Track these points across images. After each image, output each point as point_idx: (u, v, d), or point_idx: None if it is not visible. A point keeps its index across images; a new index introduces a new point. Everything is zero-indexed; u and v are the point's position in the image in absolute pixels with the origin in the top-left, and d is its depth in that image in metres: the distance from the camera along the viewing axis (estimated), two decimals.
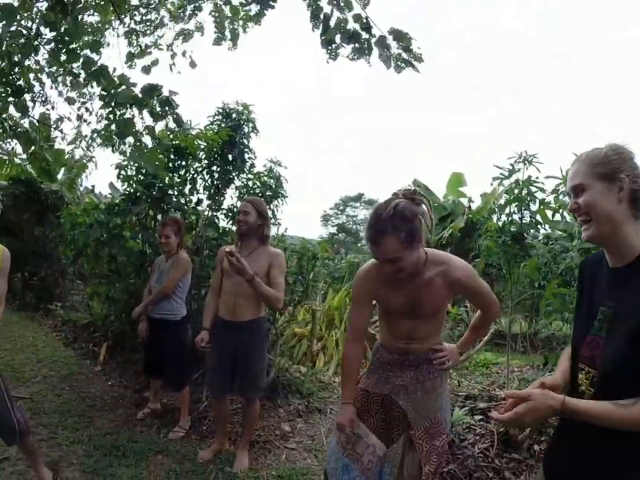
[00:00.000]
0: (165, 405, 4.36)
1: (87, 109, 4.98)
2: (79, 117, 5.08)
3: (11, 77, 3.86)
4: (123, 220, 5.23)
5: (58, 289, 8.54)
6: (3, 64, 3.79)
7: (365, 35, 3.41)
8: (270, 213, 5.46)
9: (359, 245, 30.40)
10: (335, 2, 3.37)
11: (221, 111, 5.65)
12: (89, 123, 5.14)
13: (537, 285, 7.00)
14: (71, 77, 4.09)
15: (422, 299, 2.13)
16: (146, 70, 4.43)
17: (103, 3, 4.40)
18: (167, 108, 3.65)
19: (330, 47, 3.48)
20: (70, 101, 4.85)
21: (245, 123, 5.65)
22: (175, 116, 3.71)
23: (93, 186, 9.00)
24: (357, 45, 3.44)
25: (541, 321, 8.51)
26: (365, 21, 3.37)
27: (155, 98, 3.67)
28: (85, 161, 6.11)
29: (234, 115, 5.64)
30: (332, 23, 3.46)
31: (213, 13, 4.53)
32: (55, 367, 5.30)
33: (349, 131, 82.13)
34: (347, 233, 40.71)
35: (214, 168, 5.59)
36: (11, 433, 2.65)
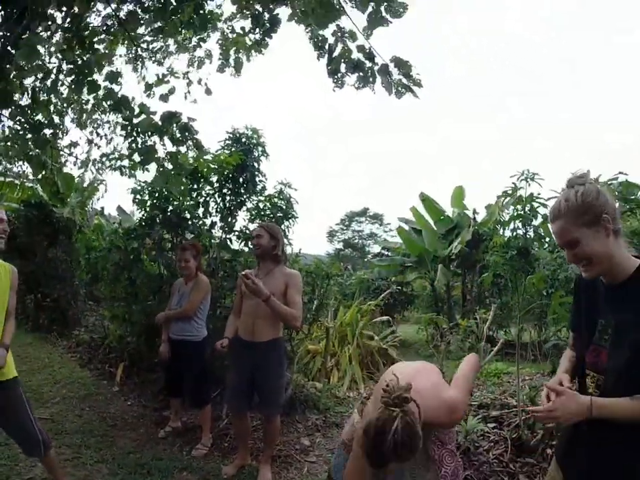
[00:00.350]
0: (185, 424, 4.45)
1: (97, 134, 5.16)
2: (90, 142, 5.26)
3: (29, 113, 4.04)
4: (140, 244, 5.37)
5: (71, 310, 8.65)
6: (23, 101, 4.00)
7: (368, 64, 3.56)
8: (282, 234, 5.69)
9: (365, 260, 30.42)
10: (339, 34, 3.52)
11: (231, 135, 5.83)
12: (99, 147, 5.32)
13: (545, 294, 7.11)
14: (81, 105, 4.29)
15: None
16: (164, 98, 4.57)
17: (115, 32, 4.56)
18: (186, 133, 3.82)
19: (336, 76, 3.62)
20: (81, 126, 5.02)
21: (255, 147, 5.83)
22: (194, 141, 3.86)
23: (102, 208, 9.17)
24: (361, 73, 3.58)
25: (550, 329, 8.59)
26: (368, 50, 3.51)
27: (175, 125, 3.85)
28: (96, 184, 6.30)
29: (244, 139, 5.81)
30: (336, 52, 3.61)
31: (219, 41, 4.69)
32: (72, 388, 5.41)
33: (356, 154, 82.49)
34: (352, 248, 40.70)
35: (225, 191, 5.76)
36: (36, 446, 2.78)
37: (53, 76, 3.86)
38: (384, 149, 78.30)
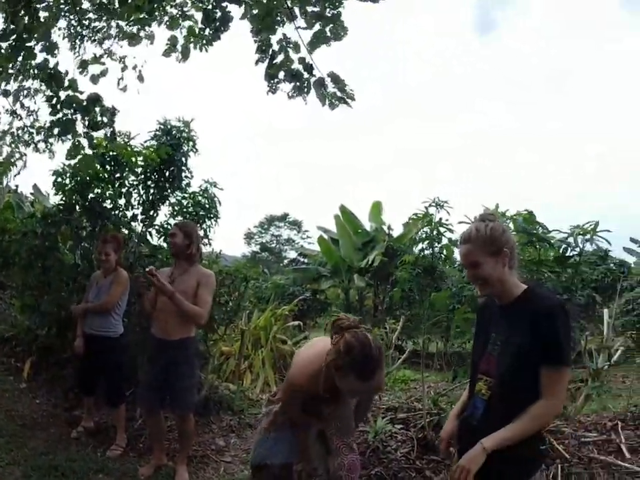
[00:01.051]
0: (98, 424, 4.30)
1: (22, 105, 4.91)
2: (13, 112, 4.99)
3: None
4: (57, 230, 5.12)
5: None
6: None
7: (306, 75, 3.73)
8: (202, 233, 5.64)
9: (281, 264, 30.48)
10: (284, 42, 3.66)
11: (162, 126, 5.72)
12: (21, 118, 5.06)
13: (451, 309, 7.61)
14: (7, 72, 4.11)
15: None
16: (94, 79, 4.46)
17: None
18: (105, 120, 3.80)
19: (272, 81, 3.76)
20: (5, 94, 4.74)
21: (185, 141, 5.76)
22: (111, 129, 3.85)
23: (17, 186, 8.54)
24: (297, 83, 3.75)
25: (455, 341, 9.21)
26: (309, 64, 3.68)
27: (99, 108, 3.81)
28: (13, 159, 5.90)
29: (174, 132, 5.72)
30: (278, 59, 3.75)
31: (167, 22, 4.63)
32: None
33: (293, 159, 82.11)
34: (269, 252, 40.58)
35: (150, 183, 5.64)
36: None
37: None
38: (320, 158, 78.58)
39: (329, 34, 3.44)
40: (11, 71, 4.29)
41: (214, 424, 4.70)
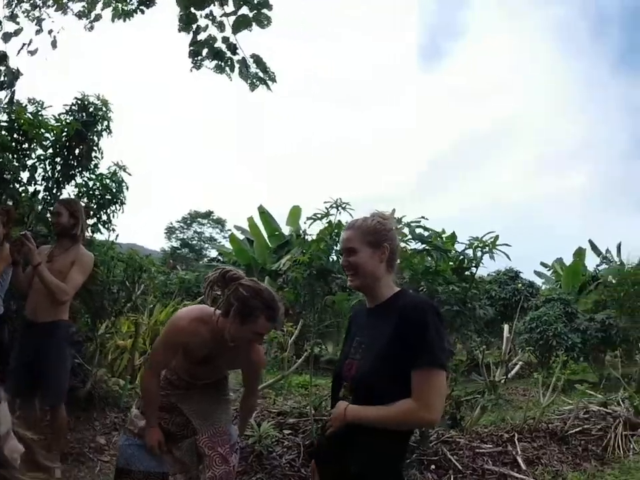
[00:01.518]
0: None
1: None
2: None
3: None
4: None
5: None
6: None
7: (229, 54, 3.70)
8: (105, 217, 5.46)
9: (201, 262, 29.64)
10: (210, 18, 3.60)
11: (79, 101, 5.43)
12: None
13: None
14: None
15: None
16: (5, 37, 4.20)
17: None
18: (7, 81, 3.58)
19: (196, 59, 3.71)
20: None
21: (100, 120, 5.50)
22: (11, 91, 3.62)
23: None
24: (220, 62, 3.71)
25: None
26: (232, 44, 3.65)
27: (3, 67, 3.59)
28: None
29: (91, 109, 5.46)
30: (202, 36, 3.69)
31: None
32: None
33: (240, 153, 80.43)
34: (190, 248, 39.43)
35: (58, 160, 5.34)
36: None
37: None
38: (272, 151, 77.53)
39: (252, 20, 3.41)
40: None
41: (97, 420, 4.52)
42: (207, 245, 38.71)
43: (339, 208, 4.17)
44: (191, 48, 3.68)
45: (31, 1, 4.47)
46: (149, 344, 6.91)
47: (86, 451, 3.90)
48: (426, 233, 4.07)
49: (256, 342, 2.36)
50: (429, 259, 4.26)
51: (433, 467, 3.96)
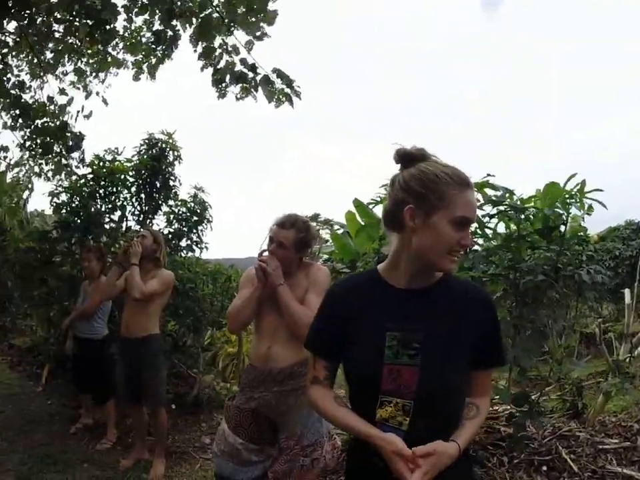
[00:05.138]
0: (97, 420, 4.74)
1: (28, 137, 5.39)
2: (22, 145, 5.51)
3: None
4: (52, 246, 5.58)
5: (5, 314, 8.67)
6: None
7: (251, 75, 3.90)
8: (196, 237, 6.03)
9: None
10: (224, 46, 3.85)
11: (146, 141, 6.03)
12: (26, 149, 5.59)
13: None
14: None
15: (290, 290, 2.46)
16: (62, 109, 4.90)
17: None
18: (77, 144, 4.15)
19: (220, 86, 3.96)
20: (13, 128, 5.30)
21: (170, 152, 6.07)
22: (81, 155, 4.20)
23: (43, 210, 9.29)
24: (245, 84, 3.92)
25: None
26: (251, 63, 3.87)
27: (69, 134, 4.17)
28: (21, 185, 6.65)
29: (159, 144, 6.03)
30: (221, 64, 3.93)
31: (126, 47, 4.97)
32: None
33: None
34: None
35: (142, 196, 6.00)
36: None
37: None
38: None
39: (262, 24, 3.64)
40: None
41: (204, 422, 4.98)
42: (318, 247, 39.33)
43: None
44: (214, 77, 3.94)
45: (74, 71, 5.09)
46: None
47: (190, 450, 4.37)
48: (496, 193, 3.35)
49: None
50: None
51: (544, 468, 3.32)
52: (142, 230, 4.20)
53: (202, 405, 5.15)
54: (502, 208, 3.18)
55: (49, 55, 4.79)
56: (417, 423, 1.31)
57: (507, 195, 3.24)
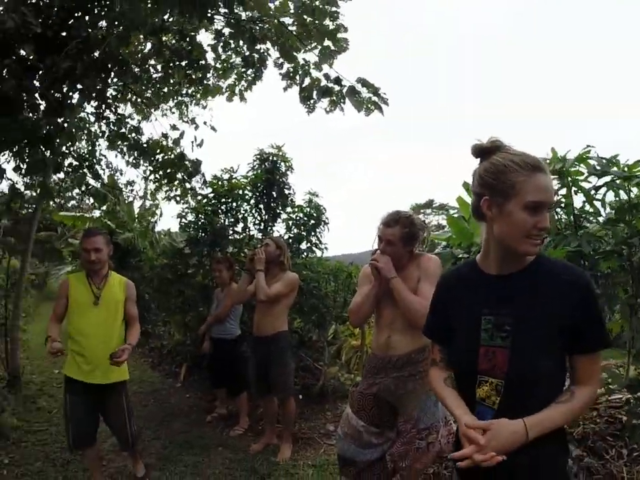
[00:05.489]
0: (230, 411, 5.21)
1: (150, 170, 6.17)
2: (145, 179, 6.32)
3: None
4: (185, 261, 6.23)
5: (145, 322, 9.73)
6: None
7: (337, 88, 4.13)
8: (315, 239, 6.34)
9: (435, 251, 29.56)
10: (306, 67, 4.15)
11: (258, 156, 6.50)
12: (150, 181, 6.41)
13: None
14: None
15: (403, 281, 2.63)
16: (176, 142, 5.61)
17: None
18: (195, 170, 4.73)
19: (308, 102, 4.24)
20: (135, 166, 6.12)
21: (281, 163, 6.46)
22: (202, 178, 4.77)
23: (169, 229, 10.42)
24: (333, 98, 4.17)
25: None
26: (334, 77, 4.11)
27: (187, 162, 4.76)
28: (152, 210, 7.63)
29: (271, 158, 6.44)
30: (306, 82, 4.22)
31: (214, 75, 5.55)
32: (142, 385, 6.39)
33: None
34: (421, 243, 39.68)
35: (261, 207, 6.46)
36: (126, 442, 3.39)
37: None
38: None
39: (332, 47, 3.87)
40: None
41: (329, 411, 5.25)
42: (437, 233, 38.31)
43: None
44: (301, 95, 4.26)
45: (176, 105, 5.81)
46: None
47: (315, 436, 4.64)
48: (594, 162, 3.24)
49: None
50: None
51: None
52: (265, 239, 4.54)
53: (327, 395, 5.43)
54: (608, 179, 3.08)
55: (150, 94, 5.53)
56: (505, 403, 1.40)
57: (611, 164, 3.15)
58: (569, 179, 3.29)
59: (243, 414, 4.89)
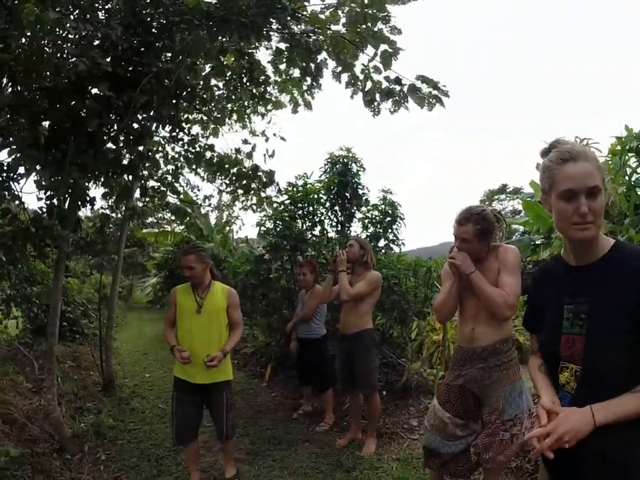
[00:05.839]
0: (315, 408, 5.42)
1: (226, 184, 6.55)
2: (220, 191, 6.74)
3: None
4: (268, 266, 6.50)
5: None
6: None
7: (398, 88, 4.20)
8: (392, 236, 6.47)
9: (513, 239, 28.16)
10: (366, 72, 4.25)
11: (329, 160, 6.71)
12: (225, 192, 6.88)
13: None
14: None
15: (483, 274, 2.71)
16: (249, 156, 5.98)
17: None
18: (270, 180, 4.99)
19: (372, 105, 4.34)
20: (211, 181, 6.54)
21: (352, 164, 6.64)
22: (277, 185, 5.04)
23: (247, 237, 10.95)
24: (396, 98, 4.23)
25: None
26: (394, 78, 4.17)
27: (261, 173, 5.03)
28: (231, 222, 8.12)
29: (341, 160, 6.65)
30: (368, 86, 4.31)
31: (275, 87, 5.85)
32: None
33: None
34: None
35: (336, 208, 6.66)
36: (221, 434, 3.67)
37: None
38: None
39: (390, 51, 3.95)
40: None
41: (412, 406, 5.30)
42: (510, 219, 36.24)
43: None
44: (365, 99, 4.36)
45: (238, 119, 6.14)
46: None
47: (399, 431, 4.71)
48: None
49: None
50: None
51: None
52: (349, 240, 4.68)
53: (410, 391, 5.49)
54: None
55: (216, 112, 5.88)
56: (581, 390, 1.46)
57: None
58: None
59: (329, 410, 5.06)
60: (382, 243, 6.49)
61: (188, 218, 7.33)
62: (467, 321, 2.81)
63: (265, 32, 3.82)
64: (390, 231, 6.48)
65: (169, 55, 3.90)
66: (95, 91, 3.49)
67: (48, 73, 3.22)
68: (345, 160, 6.65)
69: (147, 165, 4.50)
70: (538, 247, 13.27)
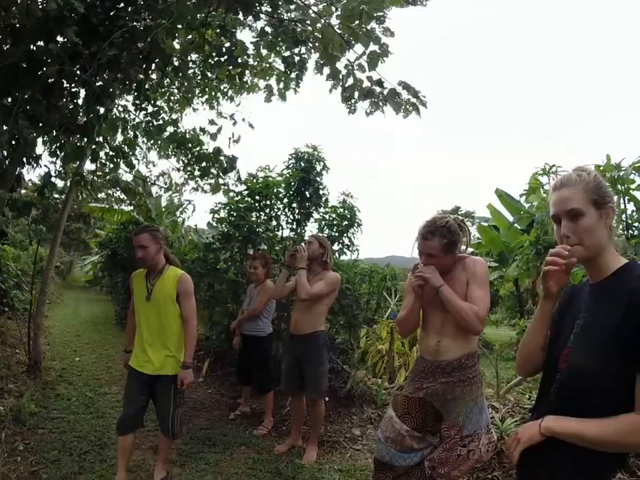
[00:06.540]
0: (253, 409, 5.17)
1: (185, 163, 6.20)
2: (178, 169, 6.39)
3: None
4: (216, 256, 6.22)
5: None
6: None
7: (378, 90, 4.08)
8: (347, 240, 6.32)
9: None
10: (350, 67, 4.10)
11: (293, 155, 6.50)
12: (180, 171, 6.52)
13: None
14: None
15: (451, 287, 2.60)
16: (213, 137, 5.66)
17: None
18: (231, 166, 4.73)
19: (349, 102, 4.20)
20: (168, 156, 6.21)
21: (317, 163, 6.46)
22: (237, 174, 4.85)
23: (196, 225, 10.56)
24: (373, 99, 4.12)
25: None
26: (377, 79, 4.06)
27: (223, 157, 4.76)
28: (184, 206, 7.74)
29: (306, 157, 6.45)
30: (349, 82, 4.18)
31: (255, 71, 5.61)
32: None
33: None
34: None
35: (294, 205, 6.46)
36: (166, 430, 3.40)
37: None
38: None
39: (381, 54, 3.81)
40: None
41: (355, 415, 5.15)
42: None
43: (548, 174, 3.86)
44: (343, 95, 4.21)
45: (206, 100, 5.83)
46: (408, 346, 7.53)
47: (341, 440, 4.54)
48: None
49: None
50: None
51: None
52: (309, 237, 4.48)
53: (354, 399, 5.33)
54: None
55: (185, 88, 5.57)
56: (558, 402, 1.50)
57: None
58: (622, 187, 3.22)
59: (268, 413, 4.83)
60: (336, 246, 6.33)
61: (138, 197, 6.89)
62: (430, 333, 2.72)
63: (254, 11, 3.58)
64: (346, 235, 6.35)
65: (150, 15, 3.56)
66: (62, 40, 3.12)
67: (17, 10, 2.84)
68: (310, 157, 6.48)
69: (103, 127, 4.08)
70: (490, 269, 13.78)
